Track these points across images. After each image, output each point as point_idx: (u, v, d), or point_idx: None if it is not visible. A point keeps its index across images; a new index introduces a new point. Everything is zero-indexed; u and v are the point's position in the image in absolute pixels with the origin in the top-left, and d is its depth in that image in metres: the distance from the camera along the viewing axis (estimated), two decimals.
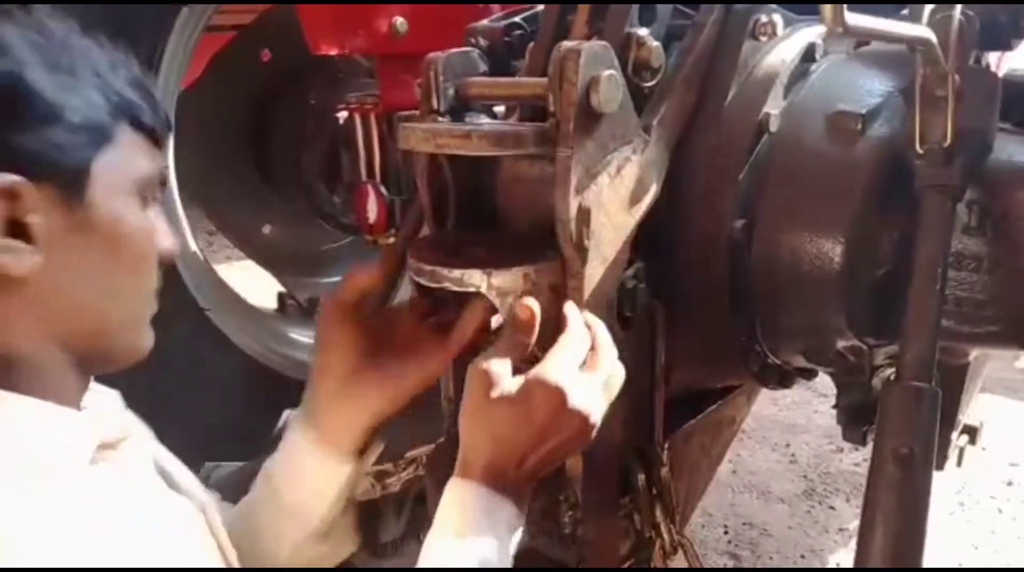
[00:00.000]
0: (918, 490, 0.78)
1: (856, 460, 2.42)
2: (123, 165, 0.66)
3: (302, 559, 0.90)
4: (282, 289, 2.27)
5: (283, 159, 2.05)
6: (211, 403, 1.65)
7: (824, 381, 1.26)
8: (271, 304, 2.26)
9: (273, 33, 2.05)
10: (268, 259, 2.38)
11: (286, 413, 1.74)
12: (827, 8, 0.62)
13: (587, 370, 0.76)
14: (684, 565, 0.98)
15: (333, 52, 1.59)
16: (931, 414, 0.78)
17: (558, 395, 0.71)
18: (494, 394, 0.72)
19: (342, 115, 1.80)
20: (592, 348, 0.78)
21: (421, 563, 0.71)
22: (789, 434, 2.60)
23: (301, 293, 2.21)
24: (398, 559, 2.02)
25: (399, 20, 1.58)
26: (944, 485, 2.23)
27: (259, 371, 1.82)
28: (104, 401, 0.75)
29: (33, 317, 0.63)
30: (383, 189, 1.68)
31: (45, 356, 0.64)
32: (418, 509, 2.04)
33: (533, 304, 0.78)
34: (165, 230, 0.73)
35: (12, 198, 0.59)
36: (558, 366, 0.74)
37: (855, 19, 0.61)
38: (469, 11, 1.45)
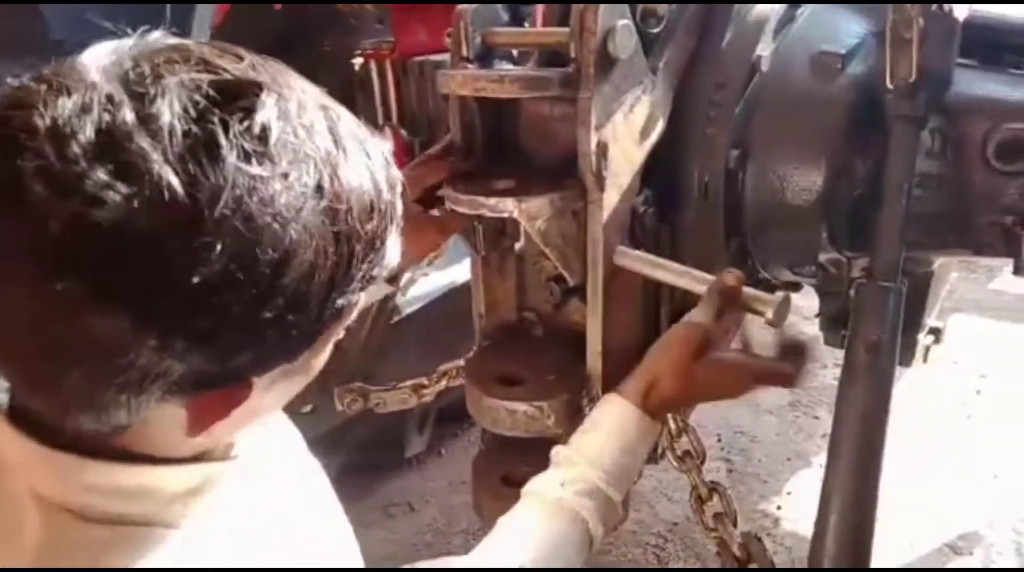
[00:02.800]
0: (884, 372, 0.94)
1: (839, 375, 2.61)
2: (347, 319, 0.59)
3: None
4: None
5: None
6: None
7: (808, 305, 1.41)
8: None
9: None
10: None
11: None
12: None
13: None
14: (688, 448, 1.15)
15: (353, 2, 1.68)
16: (896, 309, 0.94)
17: (748, 376, 0.90)
18: (703, 354, 0.87)
19: (357, 61, 1.89)
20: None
21: (579, 452, 0.85)
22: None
23: None
24: (422, 471, 2.21)
25: None
26: (918, 394, 2.42)
27: None
28: None
29: (205, 440, 0.60)
30: (402, 131, 1.80)
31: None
32: (438, 428, 2.22)
33: (739, 274, 0.92)
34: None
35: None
36: (756, 361, 0.92)
37: None
38: None
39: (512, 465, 1.26)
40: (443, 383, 1.47)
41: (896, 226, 0.95)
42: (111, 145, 0.45)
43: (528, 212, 1.02)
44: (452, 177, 1.13)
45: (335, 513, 0.83)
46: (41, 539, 0.56)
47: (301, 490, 0.78)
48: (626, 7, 0.98)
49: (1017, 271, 0.95)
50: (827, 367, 2.69)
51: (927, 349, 1.32)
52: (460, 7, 1.10)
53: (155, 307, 0.47)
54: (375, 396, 1.47)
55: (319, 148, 0.52)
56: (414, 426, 2.18)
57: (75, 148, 0.45)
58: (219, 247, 0.46)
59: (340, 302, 0.55)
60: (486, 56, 1.12)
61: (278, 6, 2.18)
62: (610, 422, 0.87)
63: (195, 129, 0.46)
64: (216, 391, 0.53)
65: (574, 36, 0.97)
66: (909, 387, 2.33)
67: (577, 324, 1.18)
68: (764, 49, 1.11)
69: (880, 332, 0.93)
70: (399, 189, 0.59)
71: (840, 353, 1.10)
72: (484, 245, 1.20)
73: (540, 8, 1.35)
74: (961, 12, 0.98)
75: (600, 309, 1.09)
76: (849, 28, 1.10)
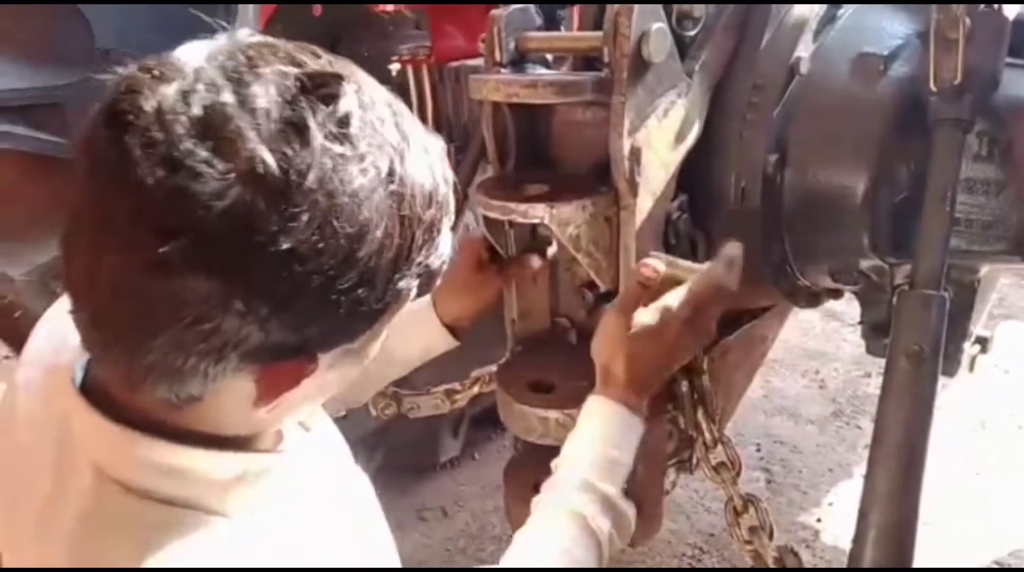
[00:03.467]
0: (926, 382, 0.91)
1: None
2: (403, 303, 0.63)
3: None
4: None
5: None
6: None
7: (852, 312, 1.37)
8: None
9: None
10: None
11: None
12: None
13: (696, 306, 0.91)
14: (723, 459, 1.12)
15: (390, 8, 1.70)
16: (939, 318, 0.91)
17: (683, 321, 0.89)
18: (632, 330, 0.89)
19: (395, 67, 1.91)
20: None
21: (565, 457, 0.88)
22: (819, 362, 2.72)
23: None
24: (455, 475, 2.21)
25: None
26: (967, 405, 2.35)
27: None
28: None
29: (268, 421, 0.65)
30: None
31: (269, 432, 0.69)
32: (473, 432, 2.22)
33: (657, 264, 0.94)
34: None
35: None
36: (679, 302, 0.90)
37: None
38: None
39: (544, 472, 1.25)
40: (476, 389, 1.46)
41: (939, 233, 0.92)
42: (212, 125, 0.50)
43: (559, 218, 1.01)
44: (485, 183, 1.13)
45: (376, 518, 0.83)
46: (87, 506, 0.60)
47: (345, 493, 0.80)
48: (660, 10, 0.97)
49: None
50: (870, 376, 2.64)
51: (973, 359, 1.27)
52: (494, 12, 1.10)
53: (244, 272, 0.51)
54: (408, 401, 1.47)
55: (390, 138, 0.56)
56: (448, 430, 2.18)
57: (179, 128, 0.50)
58: (305, 218, 0.51)
59: (401, 284, 0.59)
60: (520, 61, 1.11)
61: (317, 11, 2.21)
62: (581, 419, 0.92)
63: (287, 112, 0.52)
64: (286, 363, 0.57)
65: (607, 40, 0.96)
66: (958, 397, 2.26)
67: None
68: (804, 51, 1.08)
69: (922, 341, 0.90)
70: (451, 184, 0.64)
71: (883, 362, 1.07)
72: (516, 250, 1.20)
73: (575, 10, 1.34)
74: (1011, 11, 0.95)
75: None
76: (892, 29, 1.07)
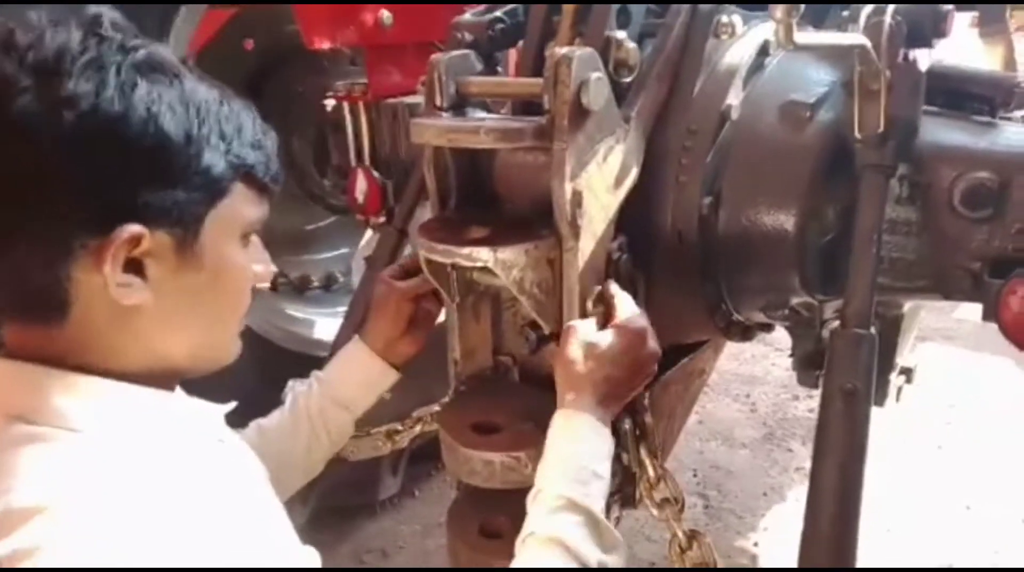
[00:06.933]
0: (860, 419, 0.94)
1: (811, 406, 2.63)
2: (231, 215, 0.76)
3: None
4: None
5: None
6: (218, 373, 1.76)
7: (780, 337, 1.41)
8: None
9: (256, 23, 2.12)
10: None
11: (290, 383, 1.88)
12: (780, 28, 0.76)
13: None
14: (666, 495, 1.14)
15: (326, 46, 1.69)
16: (870, 356, 0.95)
17: (641, 338, 0.97)
18: (591, 347, 0.95)
19: (330, 103, 1.89)
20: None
21: (541, 478, 0.90)
22: (749, 386, 2.79)
23: (292, 271, 2.31)
24: (395, 514, 2.17)
25: (385, 14, 1.68)
26: (888, 424, 2.44)
27: (258, 343, 1.93)
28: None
29: (143, 342, 0.73)
30: (374, 172, 1.79)
31: (152, 371, 0.75)
32: (412, 468, 2.19)
33: (613, 286, 1.03)
34: (263, 259, 0.84)
35: (134, 244, 0.68)
36: (633, 317, 0.98)
37: (801, 37, 0.76)
38: (449, 6, 1.55)
39: (489, 514, 1.24)
40: (418, 429, 1.44)
41: (868, 274, 0.96)
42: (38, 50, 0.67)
43: (503, 262, 1.02)
44: (427, 225, 1.12)
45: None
46: None
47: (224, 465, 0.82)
48: (599, 59, 0.99)
49: (986, 317, 0.96)
50: (799, 399, 2.72)
51: (900, 389, 1.33)
52: (435, 56, 1.11)
53: (33, 132, 0.64)
54: (348, 443, 1.44)
55: (164, 56, 0.73)
56: (387, 467, 2.14)
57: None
58: (73, 84, 0.65)
59: (206, 160, 0.71)
60: (460, 105, 1.12)
61: (249, 46, 2.18)
62: (552, 435, 0.94)
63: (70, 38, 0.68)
64: (108, 237, 0.67)
65: (548, 88, 0.97)
66: (880, 418, 2.36)
67: (553, 368, 1.17)
68: (734, 98, 1.12)
69: (855, 380, 0.93)
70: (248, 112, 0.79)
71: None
72: (458, 291, 1.19)
73: (512, 53, 1.36)
74: (924, 62, 1.01)
75: None
76: (818, 76, 1.11)
